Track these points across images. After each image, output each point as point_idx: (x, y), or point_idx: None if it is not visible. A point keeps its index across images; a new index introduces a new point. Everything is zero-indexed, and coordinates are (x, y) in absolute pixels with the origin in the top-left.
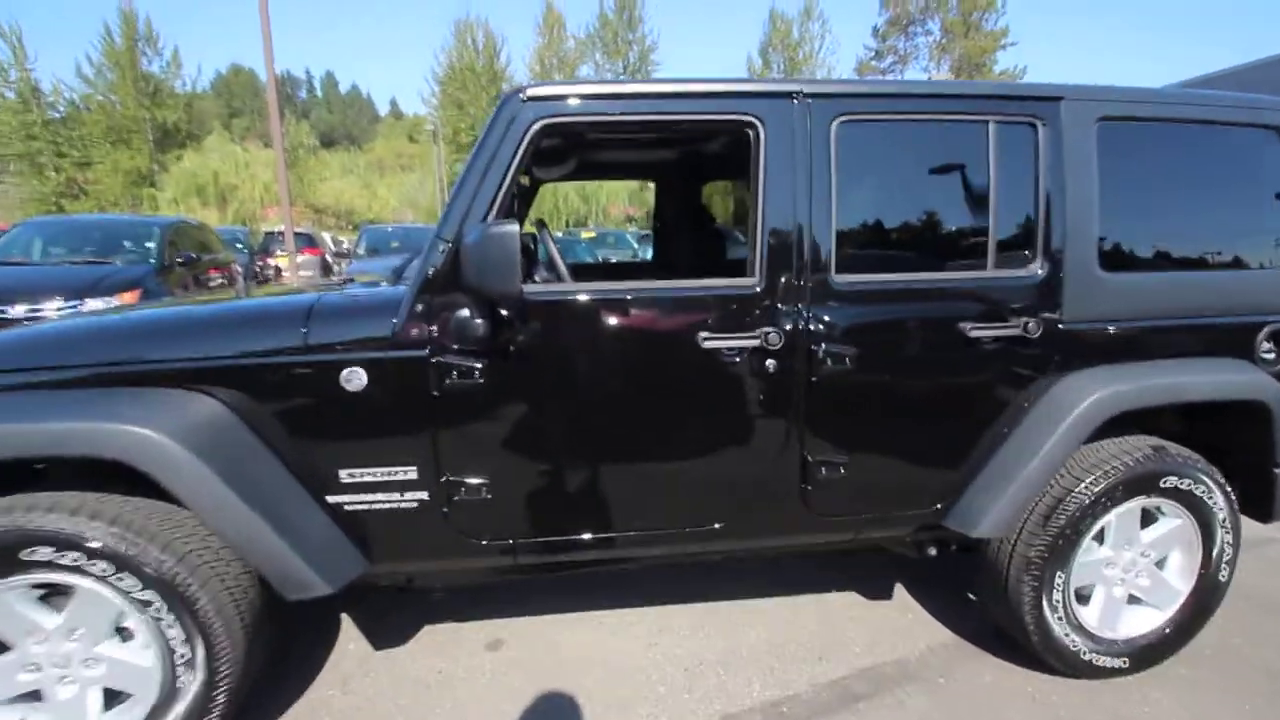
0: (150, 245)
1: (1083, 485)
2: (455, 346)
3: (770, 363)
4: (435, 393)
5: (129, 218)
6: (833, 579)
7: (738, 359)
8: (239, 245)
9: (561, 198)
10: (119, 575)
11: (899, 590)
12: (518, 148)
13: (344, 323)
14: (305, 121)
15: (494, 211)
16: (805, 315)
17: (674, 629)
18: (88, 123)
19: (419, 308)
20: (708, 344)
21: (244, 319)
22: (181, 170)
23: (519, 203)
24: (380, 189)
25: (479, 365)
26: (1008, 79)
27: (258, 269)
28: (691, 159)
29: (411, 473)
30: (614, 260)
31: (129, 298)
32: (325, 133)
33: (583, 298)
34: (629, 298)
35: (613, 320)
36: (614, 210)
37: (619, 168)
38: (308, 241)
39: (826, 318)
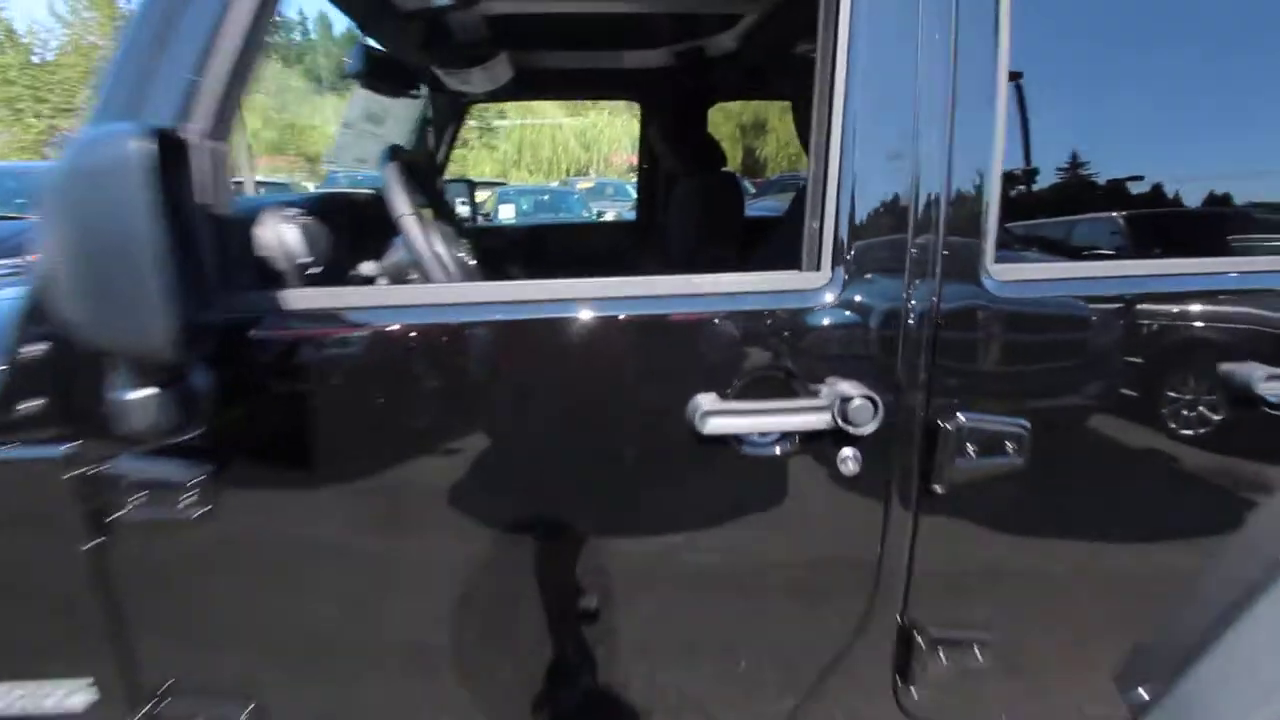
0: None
1: None
2: (131, 438)
3: (849, 457)
4: (96, 537)
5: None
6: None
7: (780, 452)
8: None
9: (560, 146)
10: None
11: None
12: None
13: None
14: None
15: (197, 113)
16: (925, 354)
17: None
18: (66, 66)
19: (38, 351)
20: (714, 425)
21: None
22: None
23: (432, 130)
24: None
25: (190, 477)
26: None
27: None
28: (694, 57)
29: (79, 694)
30: (605, 218)
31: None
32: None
33: (432, 319)
34: (537, 319)
35: (507, 366)
36: (616, 159)
37: (585, 79)
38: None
39: (972, 359)
